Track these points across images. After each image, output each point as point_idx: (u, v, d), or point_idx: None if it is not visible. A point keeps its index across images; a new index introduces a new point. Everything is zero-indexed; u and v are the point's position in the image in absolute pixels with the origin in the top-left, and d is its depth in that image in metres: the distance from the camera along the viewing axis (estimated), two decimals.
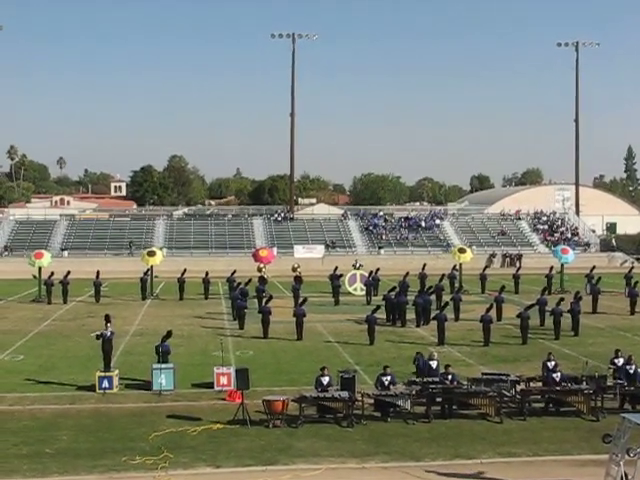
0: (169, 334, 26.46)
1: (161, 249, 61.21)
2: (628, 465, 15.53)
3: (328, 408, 21.82)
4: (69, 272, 49.03)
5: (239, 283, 44.19)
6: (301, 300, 37.40)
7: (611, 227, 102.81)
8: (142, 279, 50.09)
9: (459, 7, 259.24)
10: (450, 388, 22.67)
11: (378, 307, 35.38)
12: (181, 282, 49.08)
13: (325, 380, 22.41)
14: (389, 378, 22.67)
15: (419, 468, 18.11)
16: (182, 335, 35.47)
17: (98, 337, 27.10)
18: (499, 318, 38.41)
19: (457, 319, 38.93)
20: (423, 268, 51.21)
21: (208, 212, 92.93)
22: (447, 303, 36.87)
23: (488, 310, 33.81)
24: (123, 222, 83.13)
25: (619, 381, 23.41)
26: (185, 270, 49.86)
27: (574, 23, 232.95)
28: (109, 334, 26.95)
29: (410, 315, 38.81)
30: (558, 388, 22.64)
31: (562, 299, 36.52)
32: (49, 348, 32.99)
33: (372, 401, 22.34)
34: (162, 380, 24.82)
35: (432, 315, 35.88)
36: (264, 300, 38.48)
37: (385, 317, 39.03)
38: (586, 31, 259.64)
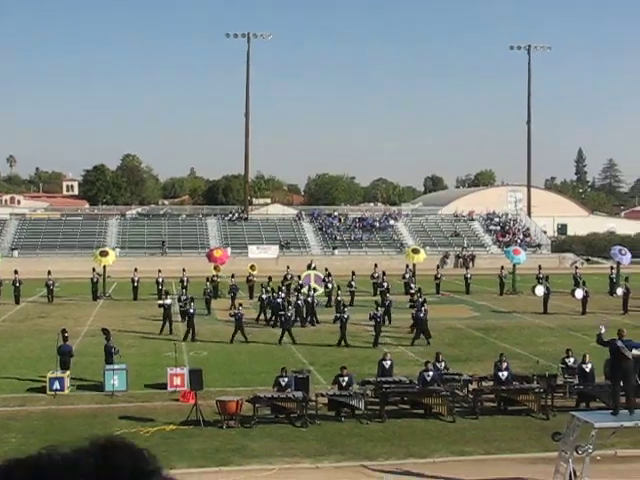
0: (105, 332, 26.41)
1: (114, 249, 60.83)
2: (577, 462, 15.77)
3: (282, 408, 21.83)
4: (16, 271, 48.16)
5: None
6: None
7: (562, 228, 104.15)
8: (92, 279, 49.69)
9: (412, 9, 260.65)
10: (404, 387, 22.86)
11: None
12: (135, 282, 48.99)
13: (284, 381, 22.38)
14: (346, 379, 22.69)
15: (372, 467, 18.21)
16: (135, 336, 35.26)
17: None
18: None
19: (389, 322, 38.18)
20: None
21: (162, 212, 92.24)
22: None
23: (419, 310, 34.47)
24: (75, 221, 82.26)
25: (570, 380, 23.77)
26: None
27: (527, 27, 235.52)
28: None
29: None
30: (506, 387, 22.90)
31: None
32: None
33: (326, 401, 22.41)
34: (114, 381, 24.63)
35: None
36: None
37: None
38: (538, 35, 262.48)
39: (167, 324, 36.24)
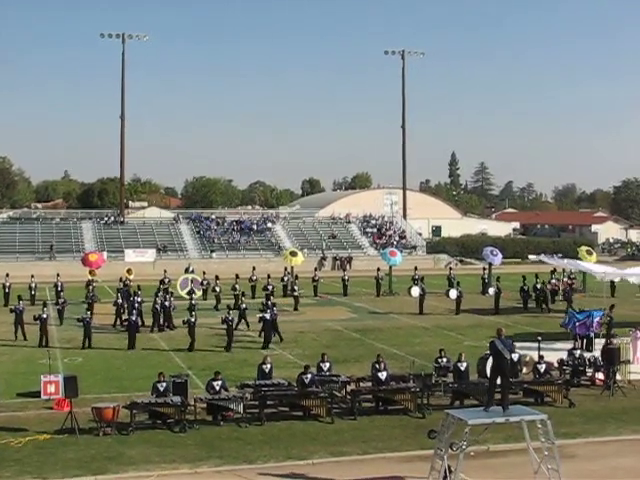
0: None
1: None
2: (451, 459, 16.16)
3: (160, 414, 21.58)
4: None
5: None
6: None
7: (436, 230, 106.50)
8: None
9: (285, 9, 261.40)
10: (283, 390, 22.94)
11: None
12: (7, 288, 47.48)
13: (162, 386, 22.13)
14: (220, 382, 22.63)
15: (251, 471, 18.20)
16: (6, 343, 34.23)
17: None
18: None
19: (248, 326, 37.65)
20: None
21: (35, 215, 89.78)
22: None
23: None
24: None
25: (444, 379, 24.41)
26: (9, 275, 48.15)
27: (401, 32, 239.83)
28: None
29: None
30: (383, 387, 23.28)
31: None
32: None
33: (205, 405, 22.28)
34: None
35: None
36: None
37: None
38: (412, 41, 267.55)
39: (19, 329, 35.58)
